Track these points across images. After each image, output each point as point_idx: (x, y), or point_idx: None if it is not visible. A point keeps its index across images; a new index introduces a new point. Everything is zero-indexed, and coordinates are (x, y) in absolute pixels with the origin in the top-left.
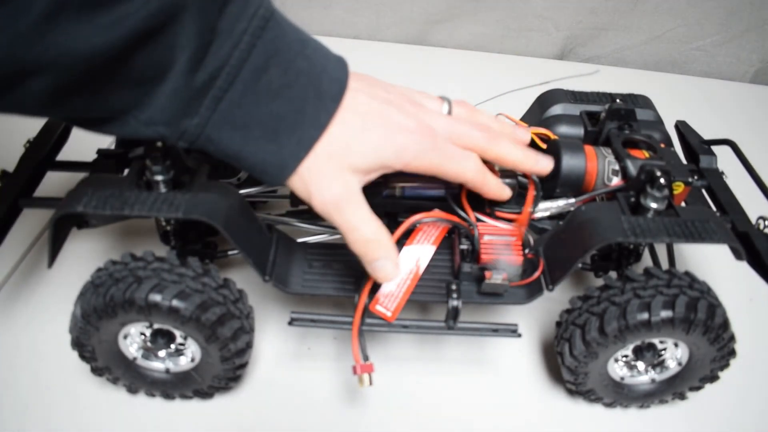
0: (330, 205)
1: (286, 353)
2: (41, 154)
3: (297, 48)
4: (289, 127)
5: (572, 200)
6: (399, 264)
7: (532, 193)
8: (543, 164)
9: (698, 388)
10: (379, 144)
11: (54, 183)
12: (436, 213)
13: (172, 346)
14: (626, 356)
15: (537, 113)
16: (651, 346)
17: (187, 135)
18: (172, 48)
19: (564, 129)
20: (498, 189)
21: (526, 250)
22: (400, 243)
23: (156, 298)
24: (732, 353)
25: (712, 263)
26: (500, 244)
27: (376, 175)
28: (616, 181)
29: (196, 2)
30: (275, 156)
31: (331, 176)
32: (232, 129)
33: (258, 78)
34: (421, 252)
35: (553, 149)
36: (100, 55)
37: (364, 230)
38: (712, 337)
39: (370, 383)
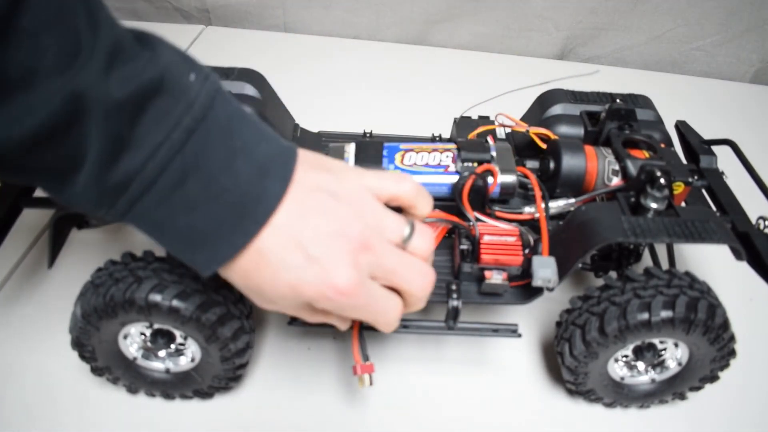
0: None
1: (286, 353)
2: None
3: (224, 162)
4: (203, 242)
5: (572, 200)
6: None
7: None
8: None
9: (698, 388)
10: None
11: None
12: (437, 213)
13: (172, 346)
14: (626, 356)
15: (537, 113)
16: (651, 346)
17: (109, 217)
18: (80, 148)
19: (564, 129)
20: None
21: (526, 250)
22: None
23: (156, 298)
24: (732, 353)
25: (712, 263)
26: (500, 244)
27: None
28: (616, 181)
29: (101, 108)
30: (194, 261)
31: (258, 298)
32: (151, 227)
33: (173, 191)
34: None
35: (553, 149)
36: (4, 148)
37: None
38: (712, 337)
39: (371, 383)
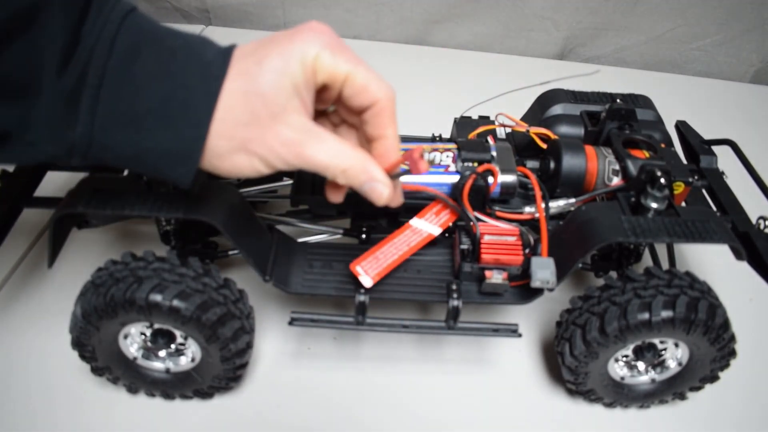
0: (290, 155)
1: (286, 353)
2: None
3: (165, 30)
4: (180, 105)
5: (572, 200)
6: (390, 184)
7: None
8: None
9: (698, 388)
10: (284, 52)
11: (54, 183)
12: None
13: (173, 346)
14: (626, 356)
15: (537, 113)
16: (651, 346)
17: (76, 148)
18: (36, 50)
19: (564, 129)
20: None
21: (527, 250)
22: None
23: (157, 298)
24: (732, 353)
25: (712, 263)
26: (501, 243)
27: (315, 84)
28: (616, 181)
29: (56, 4)
30: (176, 141)
31: (269, 125)
32: (122, 127)
33: (129, 65)
34: (427, 229)
35: (553, 149)
36: None
37: (337, 163)
38: (713, 337)
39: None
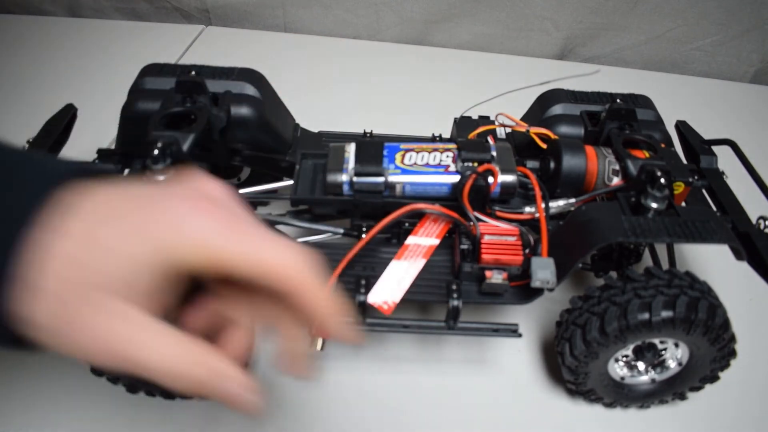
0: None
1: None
2: None
3: None
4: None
5: (573, 200)
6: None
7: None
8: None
9: (698, 389)
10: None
11: None
12: (438, 207)
13: None
14: (627, 356)
15: (537, 113)
16: (651, 346)
17: None
18: None
19: (564, 129)
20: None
21: (527, 250)
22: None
23: None
24: (732, 353)
25: (712, 263)
26: (501, 243)
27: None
28: (616, 181)
29: None
30: None
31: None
32: None
33: None
34: (426, 243)
35: (553, 149)
36: None
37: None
38: (713, 337)
39: (322, 348)
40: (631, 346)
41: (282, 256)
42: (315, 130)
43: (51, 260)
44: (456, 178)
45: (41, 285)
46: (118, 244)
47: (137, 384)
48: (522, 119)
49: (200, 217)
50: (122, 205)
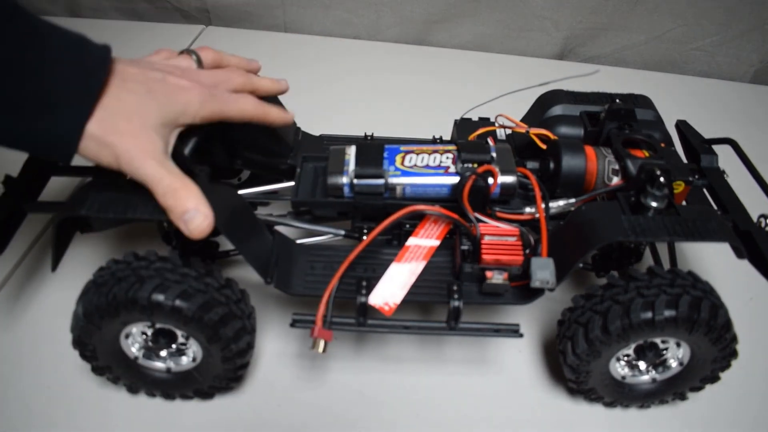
0: (136, 160)
1: (287, 354)
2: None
3: (48, 29)
4: (61, 99)
5: (572, 200)
6: (211, 219)
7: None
8: (284, 84)
9: (699, 389)
10: (166, 102)
11: (57, 187)
12: (438, 208)
13: (174, 345)
14: (628, 355)
15: (537, 114)
16: (653, 346)
17: None
18: None
19: (564, 129)
20: (281, 116)
21: (527, 250)
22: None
23: (159, 297)
24: (733, 354)
25: (712, 263)
26: (501, 244)
27: (172, 133)
28: (616, 180)
29: None
30: (54, 128)
31: (130, 134)
32: (3, 112)
33: (11, 59)
34: (426, 244)
35: (553, 150)
36: None
37: (169, 180)
38: (715, 337)
39: (323, 351)
40: (633, 345)
41: (238, 108)
42: (314, 130)
43: (110, 109)
44: (456, 180)
45: (106, 119)
46: (141, 110)
47: (137, 384)
48: (522, 120)
49: (189, 95)
50: (143, 85)
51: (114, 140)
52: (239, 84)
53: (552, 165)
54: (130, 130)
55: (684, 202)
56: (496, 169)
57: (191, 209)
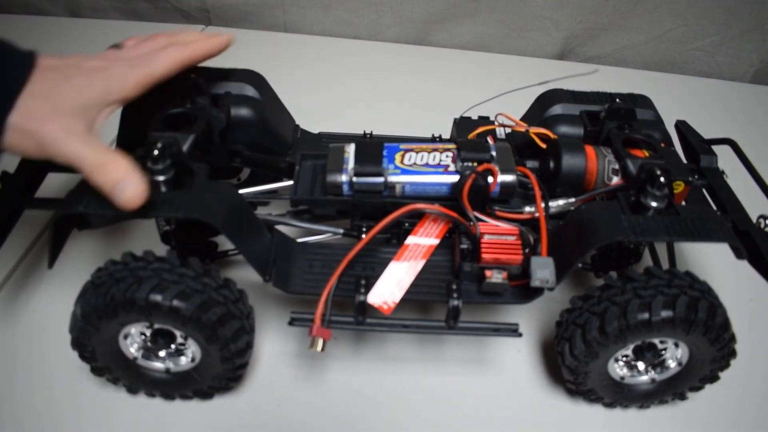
0: (58, 141)
1: (286, 353)
2: None
3: None
4: None
5: (572, 200)
6: (143, 187)
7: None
8: (220, 40)
9: (698, 389)
10: (85, 84)
11: (55, 184)
12: (437, 207)
13: (173, 346)
14: (626, 356)
15: (537, 113)
16: (651, 346)
17: None
18: None
19: (564, 129)
20: (213, 42)
21: (527, 250)
22: (405, 233)
23: (157, 298)
24: (732, 353)
25: (712, 263)
26: (501, 243)
27: (102, 112)
28: (616, 180)
29: None
30: None
31: (48, 118)
32: None
33: None
34: (426, 242)
35: (553, 149)
36: None
37: (95, 156)
38: (713, 337)
39: (322, 349)
40: (631, 346)
41: (163, 62)
42: (315, 129)
43: (28, 98)
44: (455, 178)
45: (23, 108)
46: (59, 95)
47: (137, 385)
48: (522, 119)
49: (107, 72)
50: (60, 72)
51: (34, 126)
52: (163, 44)
53: (552, 164)
54: (48, 113)
55: (683, 203)
56: (496, 168)
57: (121, 180)
